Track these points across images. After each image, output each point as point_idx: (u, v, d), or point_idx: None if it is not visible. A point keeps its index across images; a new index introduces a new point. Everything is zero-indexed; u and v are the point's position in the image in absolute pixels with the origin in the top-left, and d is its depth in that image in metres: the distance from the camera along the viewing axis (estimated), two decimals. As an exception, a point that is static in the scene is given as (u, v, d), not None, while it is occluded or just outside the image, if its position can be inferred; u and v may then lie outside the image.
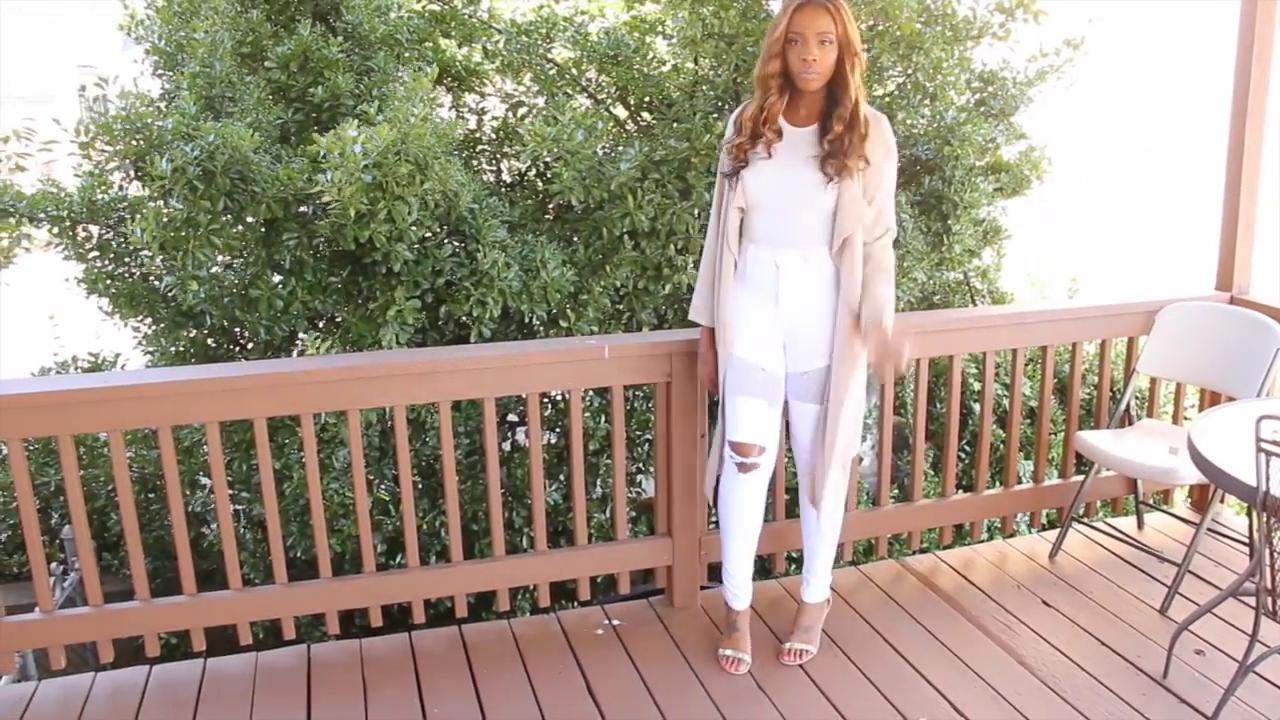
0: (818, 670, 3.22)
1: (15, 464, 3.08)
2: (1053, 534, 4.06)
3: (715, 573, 3.68)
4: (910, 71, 4.90)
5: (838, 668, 3.24)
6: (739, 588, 3.33)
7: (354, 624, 3.69)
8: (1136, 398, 4.59)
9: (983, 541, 4.19)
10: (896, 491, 4.90)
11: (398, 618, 3.64)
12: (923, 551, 4.14)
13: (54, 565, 4.60)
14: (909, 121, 4.92)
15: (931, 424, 4.76)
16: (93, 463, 4.69)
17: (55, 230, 4.47)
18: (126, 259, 4.58)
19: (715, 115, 4.49)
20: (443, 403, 3.32)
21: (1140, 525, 4.18)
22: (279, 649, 3.41)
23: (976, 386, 5.14)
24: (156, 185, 3.96)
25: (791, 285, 2.98)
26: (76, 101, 4.68)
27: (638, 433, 4.64)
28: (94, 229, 4.57)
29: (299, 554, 4.17)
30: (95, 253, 4.55)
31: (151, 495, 4.77)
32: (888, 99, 4.94)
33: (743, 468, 3.13)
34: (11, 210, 4.40)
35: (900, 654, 3.32)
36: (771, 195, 2.95)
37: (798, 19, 2.78)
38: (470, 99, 5.28)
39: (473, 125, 5.14)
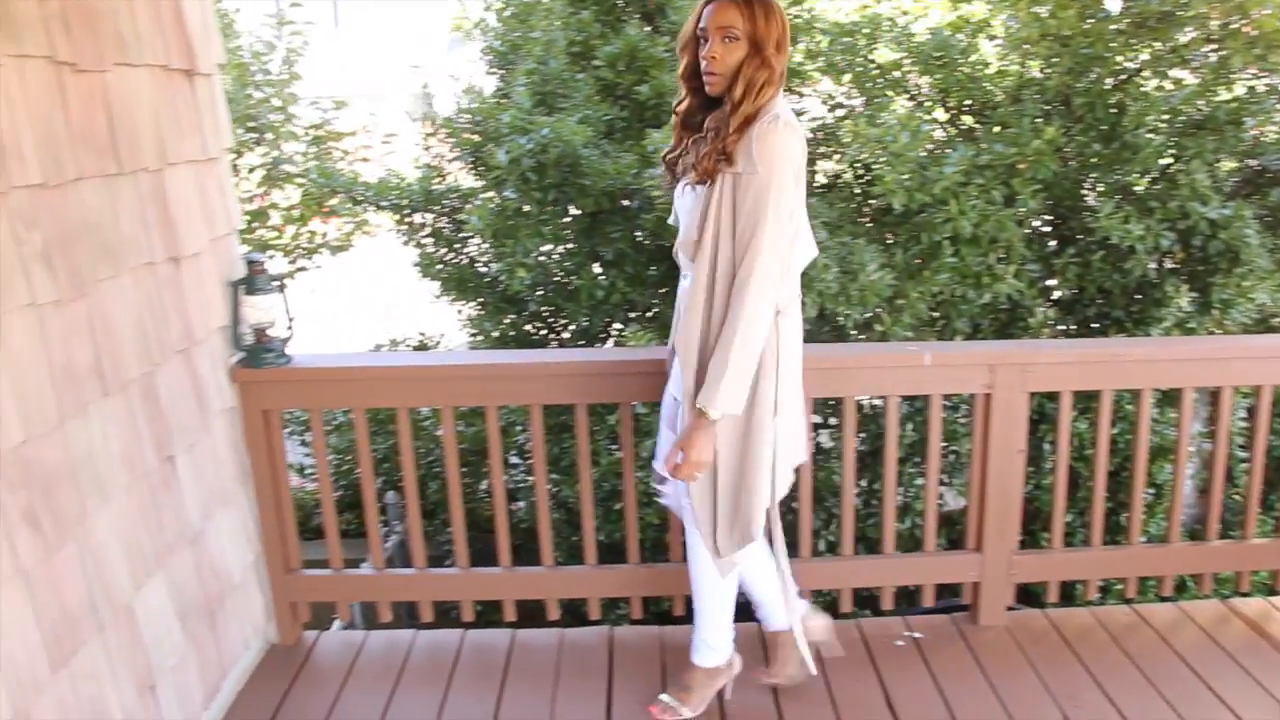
0: (1133, 710, 3.03)
1: (359, 432, 3.35)
2: None
3: (1024, 595, 3.54)
4: (1265, 74, 4.52)
5: (1156, 712, 3.03)
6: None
7: (649, 610, 3.77)
8: None
9: (1324, 591, 3.82)
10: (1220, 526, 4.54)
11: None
12: (1249, 595, 3.82)
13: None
14: (1259, 129, 4.56)
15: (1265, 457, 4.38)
16: (415, 435, 5.01)
17: (396, 218, 4.82)
18: (456, 245, 4.89)
19: (1042, 120, 4.31)
20: (758, 400, 3.32)
21: None
22: (583, 628, 3.52)
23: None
24: (491, 176, 4.19)
25: (682, 306, 2.62)
26: (410, 98, 5.04)
27: (941, 443, 4.51)
28: (429, 216, 4.90)
29: (601, 537, 4.31)
30: (429, 239, 4.88)
31: (464, 469, 5.04)
32: (1234, 104, 4.59)
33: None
34: (360, 198, 4.79)
35: (1228, 705, 3.06)
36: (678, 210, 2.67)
37: (705, 12, 2.47)
38: (789, 99, 5.30)
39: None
